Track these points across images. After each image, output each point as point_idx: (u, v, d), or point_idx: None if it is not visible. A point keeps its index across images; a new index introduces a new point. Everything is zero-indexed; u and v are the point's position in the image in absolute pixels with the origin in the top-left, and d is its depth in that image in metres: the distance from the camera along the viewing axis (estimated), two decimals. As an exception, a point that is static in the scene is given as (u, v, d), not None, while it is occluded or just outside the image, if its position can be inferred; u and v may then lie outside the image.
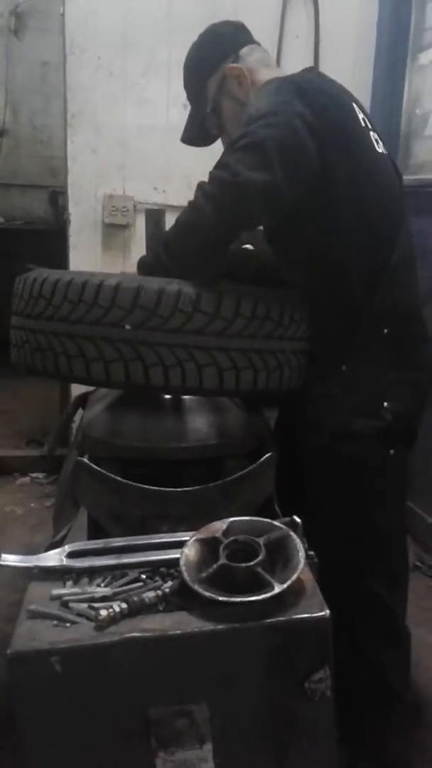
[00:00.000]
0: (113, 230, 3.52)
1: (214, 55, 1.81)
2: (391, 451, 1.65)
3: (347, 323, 1.62)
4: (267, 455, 1.53)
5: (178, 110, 3.43)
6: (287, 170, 1.44)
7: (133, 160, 3.46)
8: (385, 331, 1.62)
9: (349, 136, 1.58)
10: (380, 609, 1.70)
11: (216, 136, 1.89)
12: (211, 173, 1.49)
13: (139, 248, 3.46)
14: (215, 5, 3.23)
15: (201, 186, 1.49)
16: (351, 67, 3.39)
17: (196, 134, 1.89)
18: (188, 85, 1.88)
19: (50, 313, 1.46)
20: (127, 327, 1.39)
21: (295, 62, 3.55)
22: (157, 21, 3.34)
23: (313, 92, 1.55)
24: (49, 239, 4.32)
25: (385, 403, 1.61)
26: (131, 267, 3.41)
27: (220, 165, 1.49)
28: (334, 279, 1.61)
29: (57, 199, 5.28)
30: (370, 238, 1.61)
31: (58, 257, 3.79)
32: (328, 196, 1.55)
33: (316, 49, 3.51)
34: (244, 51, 1.81)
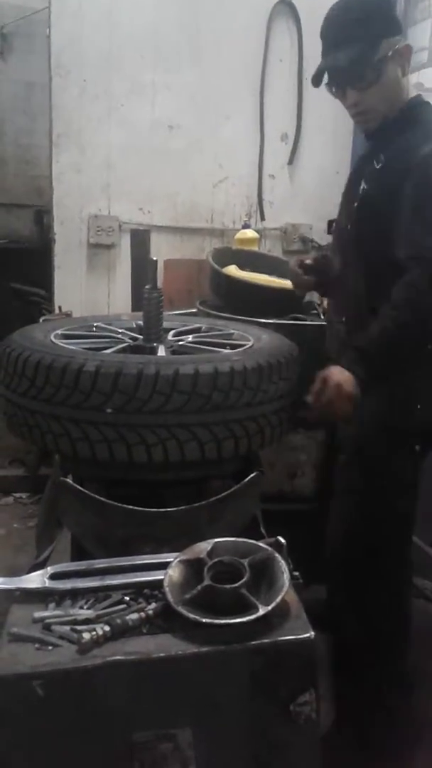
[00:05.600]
0: (98, 250, 3.52)
1: (395, 21, 1.73)
2: (417, 447, 1.79)
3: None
4: (252, 475, 1.53)
5: (162, 131, 3.47)
6: None
7: (118, 181, 3.47)
8: (429, 347, 1.69)
9: None
10: (391, 586, 1.84)
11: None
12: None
13: (123, 268, 3.47)
14: (200, 29, 3.20)
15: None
16: (334, 91, 3.43)
17: (353, 71, 1.71)
18: (356, 22, 1.68)
19: (34, 393, 1.49)
20: (109, 410, 1.42)
21: (279, 85, 3.61)
22: (142, 44, 3.37)
23: None
24: (34, 258, 4.31)
25: (418, 405, 1.74)
26: (116, 287, 3.40)
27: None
28: None
29: (42, 218, 5.27)
30: None
31: (43, 276, 3.79)
32: None
33: (299, 73, 3.56)
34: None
